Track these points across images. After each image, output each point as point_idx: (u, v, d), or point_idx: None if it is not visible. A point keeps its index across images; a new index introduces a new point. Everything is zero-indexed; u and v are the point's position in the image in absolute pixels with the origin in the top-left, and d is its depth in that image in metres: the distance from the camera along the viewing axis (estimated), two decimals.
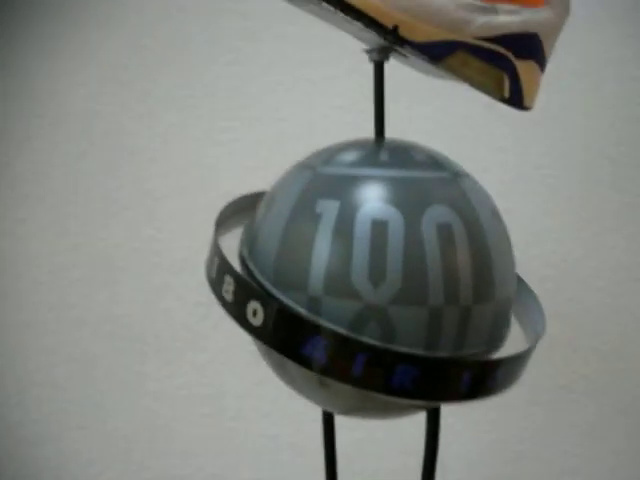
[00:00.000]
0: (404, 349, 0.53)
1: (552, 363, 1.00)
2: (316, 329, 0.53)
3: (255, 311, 0.54)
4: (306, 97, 0.99)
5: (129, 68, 0.99)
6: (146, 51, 0.99)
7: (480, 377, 0.55)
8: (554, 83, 0.96)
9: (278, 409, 0.99)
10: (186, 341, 1.00)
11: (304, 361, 0.53)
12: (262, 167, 0.96)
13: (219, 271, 0.58)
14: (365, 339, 0.53)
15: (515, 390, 0.97)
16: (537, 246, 0.99)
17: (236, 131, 0.99)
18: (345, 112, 0.96)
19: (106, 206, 1.00)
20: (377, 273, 0.53)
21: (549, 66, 0.68)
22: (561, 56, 0.73)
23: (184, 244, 0.97)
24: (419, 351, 0.53)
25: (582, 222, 1.00)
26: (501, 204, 0.96)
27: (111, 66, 0.99)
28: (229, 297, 0.56)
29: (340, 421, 0.73)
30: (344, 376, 0.53)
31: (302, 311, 0.54)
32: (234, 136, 0.99)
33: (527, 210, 0.99)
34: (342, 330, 0.53)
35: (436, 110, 0.98)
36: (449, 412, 0.95)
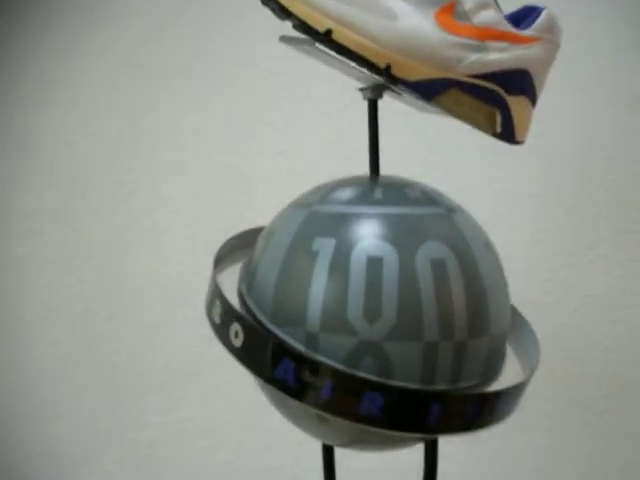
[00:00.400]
0: (402, 384, 0.54)
1: (548, 389, 1.01)
2: (314, 366, 0.54)
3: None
4: (305, 132, 1.01)
5: (131, 107, 1.02)
6: (145, 88, 1.02)
7: (476, 409, 0.56)
8: (547, 112, 0.98)
9: (278, 441, 1.00)
10: (187, 374, 1.01)
11: (304, 398, 0.54)
12: (262, 202, 0.98)
13: (222, 312, 0.59)
14: (363, 375, 0.54)
15: (522, 416, 0.99)
16: (531, 274, 1.00)
17: (236, 166, 1.01)
18: (343, 146, 0.98)
19: (108, 240, 1.02)
20: (372, 309, 0.54)
21: (542, 96, 0.71)
22: (553, 84, 0.75)
23: (185, 278, 0.98)
24: (415, 385, 0.54)
25: (576, 249, 1.01)
26: (496, 232, 0.98)
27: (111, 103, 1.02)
28: (237, 342, 0.57)
29: (340, 452, 0.74)
30: (346, 412, 0.54)
31: (300, 348, 0.55)
32: (234, 172, 1.01)
33: (521, 238, 1.01)
34: (341, 367, 0.54)
35: (430, 142, 0.99)
36: (449, 441, 0.96)
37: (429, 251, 0.56)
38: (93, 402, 1.02)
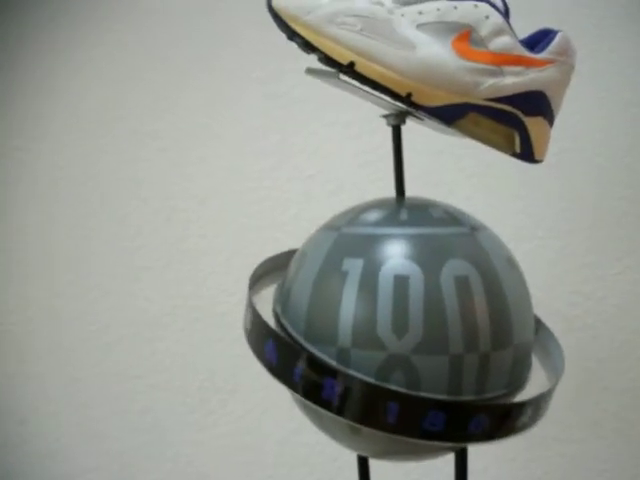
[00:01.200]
0: (431, 395, 0.57)
1: (581, 401, 1.02)
2: (347, 380, 0.56)
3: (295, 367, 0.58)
4: (334, 155, 1.04)
5: (160, 136, 1.06)
6: (180, 122, 1.06)
7: (503, 418, 0.58)
8: (569, 130, 1.01)
9: (316, 455, 1.03)
10: (227, 392, 1.05)
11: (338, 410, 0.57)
12: (294, 224, 1.02)
13: (258, 331, 0.62)
14: (393, 387, 0.57)
15: (546, 428, 1.00)
16: (560, 286, 1.02)
17: (268, 190, 1.05)
18: (371, 168, 1.01)
19: (148, 266, 1.06)
20: (400, 325, 0.57)
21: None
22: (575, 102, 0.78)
23: (223, 299, 1.02)
24: (443, 396, 0.57)
25: (603, 262, 1.03)
26: (523, 248, 1.00)
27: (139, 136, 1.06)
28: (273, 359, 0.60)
29: (376, 464, 0.76)
30: (377, 423, 0.57)
31: (333, 363, 0.58)
32: (266, 196, 1.05)
33: (549, 253, 1.03)
34: (372, 380, 0.57)
35: (457, 160, 1.02)
36: (483, 453, 0.98)
37: (453, 269, 0.59)
38: (134, 420, 1.06)
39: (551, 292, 1.02)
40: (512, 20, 0.65)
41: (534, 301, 0.99)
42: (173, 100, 1.06)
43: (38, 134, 1.08)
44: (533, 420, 0.61)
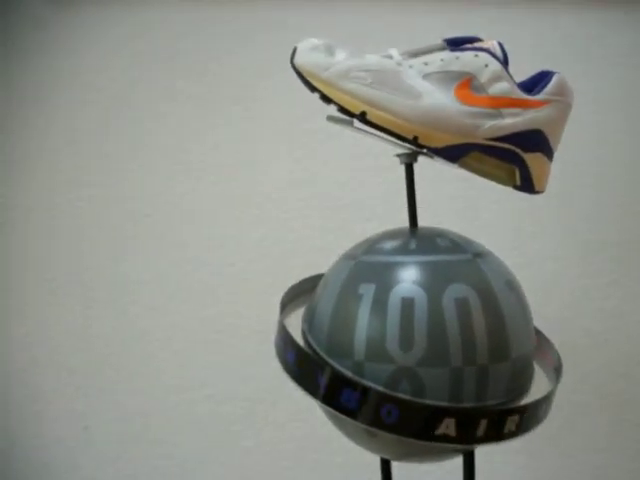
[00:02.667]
0: (433, 402, 0.64)
1: (604, 412, 1.07)
2: (363, 390, 0.64)
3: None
4: (365, 185, 1.12)
5: (208, 171, 1.15)
6: (219, 154, 1.15)
7: (505, 421, 0.65)
8: (595, 157, 1.06)
9: (351, 460, 1.09)
10: (269, 403, 1.13)
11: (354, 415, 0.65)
12: (328, 251, 1.09)
13: (286, 347, 0.70)
14: (402, 396, 0.64)
15: (571, 438, 1.05)
16: (584, 303, 1.08)
17: (305, 219, 1.13)
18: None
19: (198, 288, 1.14)
20: (406, 341, 0.65)
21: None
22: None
23: (266, 319, 1.09)
24: (444, 404, 0.64)
25: (626, 280, 1.08)
26: (548, 268, 1.06)
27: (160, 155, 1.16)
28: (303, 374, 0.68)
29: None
30: (389, 428, 0.64)
31: (349, 374, 0.66)
32: (304, 223, 1.13)
33: (573, 272, 1.09)
34: (382, 389, 0.65)
35: (480, 189, 1.08)
36: (504, 462, 1.03)
37: (454, 291, 0.66)
38: (188, 428, 1.15)
39: (576, 309, 1.08)
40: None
41: (559, 318, 1.06)
42: (221, 134, 1.14)
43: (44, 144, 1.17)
44: (535, 423, 0.68)
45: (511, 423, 0.65)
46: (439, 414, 0.63)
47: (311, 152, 1.13)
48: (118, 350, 1.16)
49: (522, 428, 0.66)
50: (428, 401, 0.64)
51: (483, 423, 0.64)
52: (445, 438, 0.64)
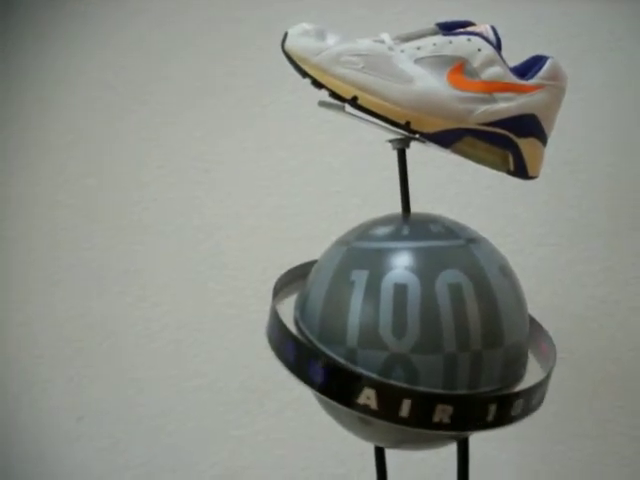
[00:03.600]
0: (427, 389, 0.64)
1: (598, 399, 1.07)
2: (358, 378, 0.64)
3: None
4: (359, 172, 1.11)
5: (203, 159, 1.14)
6: (219, 143, 1.14)
7: (501, 408, 0.65)
8: (580, 140, 1.06)
9: (346, 448, 1.10)
10: (262, 392, 1.12)
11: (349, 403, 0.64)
12: (323, 237, 1.08)
13: (279, 334, 0.69)
14: (394, 382, 0.64)
15: (564, 425, 1.05)
16: (576, 291, 1.08)
17: (299, 206, 1.12)
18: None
19: (192, 278, 1.14)
20: (400, 327, 0.65)
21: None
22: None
23: (258, 308, 1.09)
24: (438, 390, 0.64)
25: (618, 267, 1.07)
26: (540, 253, 1.06)
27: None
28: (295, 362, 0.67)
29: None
30: (384, 415, 0.64)
31: (342, 361, 0.66)
32: (297, 211, 1.12)
33: (565, 258, 1.08)
34: (376, 376, 0.64)
35: (474, 172, 1.08)
36: (500, 448, 1.04)
37: (447, 277, 0.66)
38: (181, 418, 1.14)
39: (568, 296, 1.08)
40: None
41: (552, 305, 1.06)
42: (214, 125, 1.13)
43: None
44: (528, 410, 0.68)
45: (505, 410, 0.65)
46: (434, 401, 0.63)
47: (304, 139, 1.12)
48: (111, 341, 1.15)
49: (516, 415, 0.66)
50: (422, 388, 0.64)
51: (478, 410, 0.64)
52: (440, 426, 0.64)
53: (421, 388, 0.64)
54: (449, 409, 0.63)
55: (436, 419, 0.64)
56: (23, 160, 1.16)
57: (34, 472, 1.17)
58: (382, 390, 0.63)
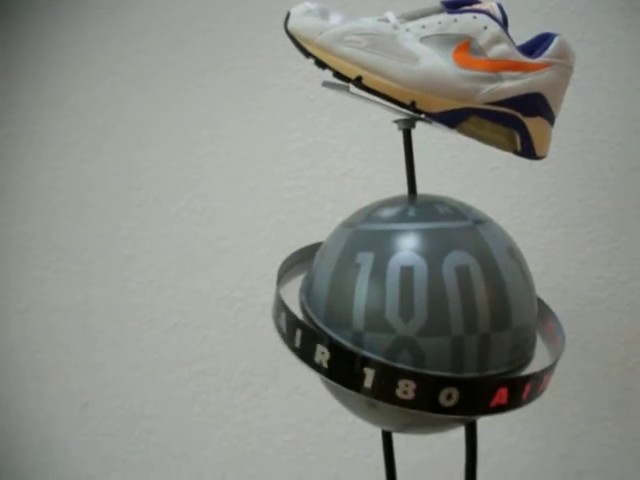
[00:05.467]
0: (434, 372, 0.63)
1: (605, 382, 1.06)
2: (364, 361, 0.63)
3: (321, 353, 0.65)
4: (364, 154, 1.10)
5: (204, 142, 1.13)
6: (216, 123, 1.13)
7: (509, 391, 0.64)
8: (589, 122, 1.04)
9: (353, 433, 1.10)
10: (269, 376, 1.12)
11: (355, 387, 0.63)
12: (329, 219, 1.08)
13: (284, 317, 0.69)
14: (401, 366, 0.63)
15: (572, 407, 1.05)
16: (585, 272, 1.07)
17: (304, 188, 1.11)
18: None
19: (195, 261, 1.13)
20: (406, 310, 0.64)
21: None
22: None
23: (263, 291, 1.09)
24: (446, 374, 0.63)
25: (626, 247, 1.06)
26: (547, 236, 1.05)
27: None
28: (298, 344, 0.67)
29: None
30: (389, 398, 0.63)
31: (349, 345, 0.65)
32: (303, 193, 1.11)
33: (573, 240, 1.07)
34: (383, 359, 0.63)
35: (481, 154, 1.07)
36: (508, 431, 1.03)
37: (454, 259, 0.65)
38: (187, 403, 1.14)
39: (576, 278, 1.07)
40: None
41: (560, 287, 1.05)
42: (216, 107, 1.12)
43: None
44: (537, 393, 0.67)
45: (513, 393, 0.64)
46: (441, 384, 0.62)
47: (307, 121, 1.11)
48: (115, 326, 1.15)
49: (524, 398, 0.65)
50: (429, 371, 0.63)
51: (486, 393, 0.63)
52: (447, 409, 0.63)
53: (428, 371, 0.63)
54: (456, 392, 0.63)
55: (443, 402, 0.63)
56: (20, 147, 1.16)
57: (40, 459, 1.17)
58: (388, 373, 0.63)
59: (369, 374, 0.63)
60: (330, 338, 0.66)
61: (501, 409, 0.64)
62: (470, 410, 0.63)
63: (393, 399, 0.63)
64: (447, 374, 0.63)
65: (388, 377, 0.63)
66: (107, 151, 1.14)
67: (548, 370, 0.68)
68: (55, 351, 1.16)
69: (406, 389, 0.63)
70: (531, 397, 0.66)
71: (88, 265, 1.15)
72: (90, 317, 1.15)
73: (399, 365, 0.63)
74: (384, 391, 0.63)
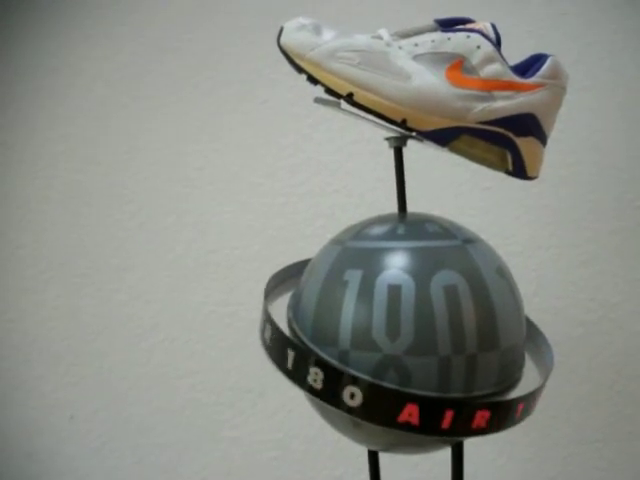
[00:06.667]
0: (420, 392, 0.62)
1: (596, 404, 1.06)
2: (352, 380, 0.62)
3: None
4: (356, 171, 1.10)
5: (197, 156, 1.13)
6: (211, 139, 1.13)
7: (496, 413, 0.64)
8: (583, 141, 1.04)
9: (340, 451, 1.08)
10: (257, 392, 1.11)
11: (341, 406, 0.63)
12: (320, 236, 1.07)
13: (274, 338, 0.68)
14: (387, 385, 0.62)
15: (562, 429, 1.04)
16: (576, 294, 1.06)
17: (295, 205, 1.11)
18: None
19: (184, 275, 1.13)
20: (393, 329, 0.63)
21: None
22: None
23: (253, 306, 1.08)
24: (432, 394, 0.63)
25: (618, 269, 1.06)
26: (540, 256, 1.04)
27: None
28: (287, 363, 0.66)
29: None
30: (375, 417, 0.62)
31: (336, 364, 0.64)
32: (293, 210, 1.11)
33: (564, 261, 1.07)
34: (369, 378, 0.63)
35: (473, 174, 1.07)
36: (498, 452, 1.02)
37: (442, 278, 0.64)
38: (174, 417, 1.13)
39: (567, 299, 1.06)
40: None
41: (552, 308, 1.04)
42: (208, 120, 1.12)
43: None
44: (524, 415, 0.66)
45: (500, 415, 0.63)
46: (427, 405, 0.62)
47: (300, 138, 1.11)
48: (104, 338, 1.14)
49: (511, 420, 0.65)
50: (415, 391, 0.62)
51: (472, 414, 0.62)
52: (442, 430, 0.62)
53: (414, 391, 0.63)
54: (451, 414, 0.62)
55: (444, 426, 0.62)
56: (13, 156, 1.15)
57: (25, 471, 1.16)
58: (374, 393, 0.62)
59: (356, 393, 0.62)
60: (317, 356, 0.65)
61: (488, 430, 0.64)
62: (456, 431, 0.63)
63: (380, 419, 0.62)
64: (433, 394, 0.63)
65: (374, 396, 0.62)
66: (99, 162, 1.14)
67: (536, 392, 0.67)
68: (42, 362, 1.15)
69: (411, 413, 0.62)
70: (518, 418, 0.66)
71: (78, 277, 1.14)
72: (79, 329, 1.14)
73: (385, 384, 0.63)
74: (370, 410, 0.62)
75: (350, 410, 0.63)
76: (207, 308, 1.12)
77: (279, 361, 0.67)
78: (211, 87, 1.12)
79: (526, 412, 0.67)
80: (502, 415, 0.64)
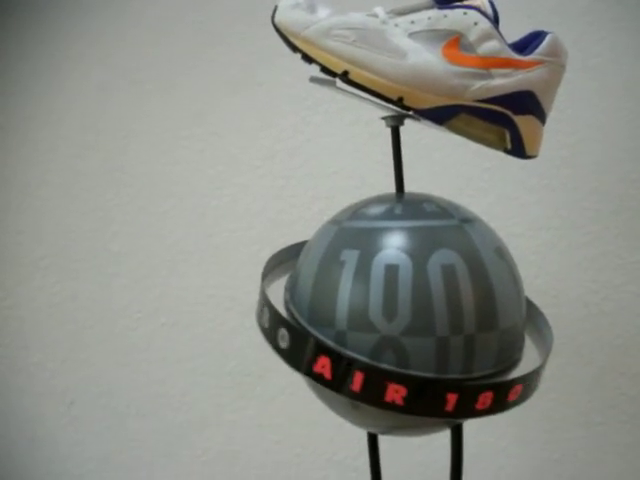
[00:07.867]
0: (418, 373, 0.62)
1: (599, 386, 1.05)
2: (345, 360, 0.62)
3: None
4: (355, 153, 1.09)
5: (197, 139, 1.12)
6: (210, 121, 1.12)
7: (495, 394, 0.63)
8: (585, 124, 1.03)
9: (342, 435, 1.08)
10: (257, 376, 1.11)
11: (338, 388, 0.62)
12: (318, 219, 1.06)
13: (269, 316, 0.67)
14: (385, 366, 0.62)
15: (565, 412, 1.03)
16: (578, 275, 1.05)
17: (294, 187, 1.10)
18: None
19: (184, 259, 1.12)
20: (390, 309, 0.62)
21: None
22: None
23: (252, 289, 1.07)
24: (430, 375, 0.62)
25: (620, 250, 1.05)
26: (542, 237, 1.03)
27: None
28: (284, 345, 0.65)
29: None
30: (373, 399, 0.62)
31: (331, 344, 0.64)
32: (292, 192, 1.10)
33: (566, 242, 1.06)
34: (366, 359, 0.62)
35: (474, 154, 1.06)
36: (499, 435, 1.02)
37: (440, 258, 0.64)
38: (175, 401, 1.13)
39: (569, 280, 1.05)
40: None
41: (553, 289, 1.03)
42: (207, 103, 1.11)
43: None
44: (524, 397, 0.66)
45: (499, 396, 0.63)
46: (425, 386, 0.61)
47: (299, 120, 1.10)
48: (102, 323, 1.14)
49: (511, 402, 0.64)
50: (413, 372, 0.62)
51: (471, 395, 0.62)
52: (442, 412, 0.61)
53: (412, 372, 0.62)
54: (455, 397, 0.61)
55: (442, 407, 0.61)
56: (12, 141, 1.15)
57: (27, 457, 1.16)
58: (372, 374, 0.61)
59: (354, 375, 0.62)
60: (314, 337, 0.65)
61: (486, 412, 0.63)
62: (455, 413, 0.62)
63: (377, 401, 0.62)
64: (431, 375, 0.62)
65: (372, 378, 0.61)
66: (98, 147, 1.13)
67: (535, 373, 0.66)
68: (42, 348, 1.15)
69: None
70: (518, 400, 0.65)
71: (77, 261, 1.14)
72: (78, 314, 1.14)
73: (383, 365, 0.62)
74: (368, 392, 0.62)
75: (347, 392, 0.62)
76: (207, 292, 1.12)
77: (276, 343, 0.66)
78: (209, 70, 1.11)
79: (527, 393, 0.66)
80: (502, 395, 0.63)
